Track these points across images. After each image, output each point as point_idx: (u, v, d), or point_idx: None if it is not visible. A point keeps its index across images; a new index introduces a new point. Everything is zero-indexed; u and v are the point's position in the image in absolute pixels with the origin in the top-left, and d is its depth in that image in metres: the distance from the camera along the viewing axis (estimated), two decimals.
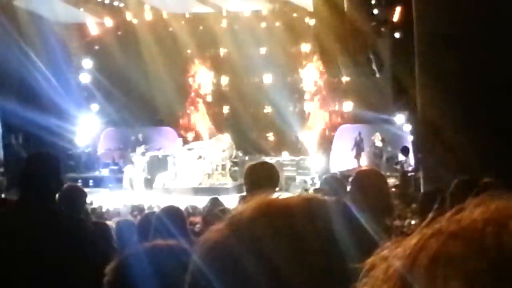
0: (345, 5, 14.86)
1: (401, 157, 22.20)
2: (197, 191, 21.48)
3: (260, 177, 4.70)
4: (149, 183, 23.64)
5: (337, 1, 14.89)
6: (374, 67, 16.76)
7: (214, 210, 8.16)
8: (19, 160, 20.67)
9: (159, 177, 23.61)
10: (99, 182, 24.01)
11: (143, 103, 26.52)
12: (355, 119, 25.72)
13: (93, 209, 15.10)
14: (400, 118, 22.88)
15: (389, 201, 4.70)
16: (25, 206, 3.96)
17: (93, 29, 27.07)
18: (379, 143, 23.96)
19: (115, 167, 25.61)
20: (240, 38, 26.07)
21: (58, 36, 24.76)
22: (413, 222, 9.39)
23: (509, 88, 9.57)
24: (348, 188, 5.09)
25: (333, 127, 26.49)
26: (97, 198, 18.79)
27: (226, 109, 27.98)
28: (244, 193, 4.98)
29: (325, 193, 5.79)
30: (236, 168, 23.49)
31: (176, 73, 27.80)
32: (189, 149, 24.44)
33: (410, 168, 20.56)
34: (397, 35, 19.86)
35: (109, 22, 26.72)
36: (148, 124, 27.05)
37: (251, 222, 1.03)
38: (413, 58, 12.02)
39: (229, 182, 22.94)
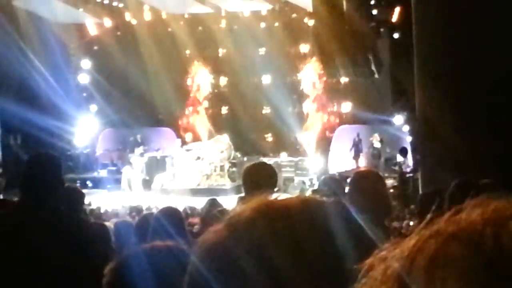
0: (344, 6, 14.89)
1: (399, 158, 22.22)
2: (196, 192, 21.47)
3: (259, 178, 4.70)
4: (147, 184, 23.63)
5: (337, 2, 14.91)
6: (373, 67, 16.79)
7: (212, 211, 8.16)
8: (18, 161, 20.69)
9: (157, 178, 23.61)
10: (97, 183, 24.01)
11: (142, 104, 26.54)
12: (353, 120, 25.73)
13: (92, 210, 15.09)
14: (398, 119, 22.90)
15: (388, 202, 4.70)
16: (27, 206, 3.96)
17: (92, 30, 27.08)
18: (377, 144, 23.96)
19: (114, 168, 25.60)
20: (239, 38, 26.08)
21: (57, 36, 24.77)
22: (411, 223, 9.41)
23: (508, 89, 9.57)
24: (347, 189, 5.09)
25: (332, 128, 26.49)
26: (96, 199, 18.79)
27: (224, 110, 27.98)
28: (243, 194, 4.98)
29: (324, 194, 5.79)
30: (234, 169, 23.49)
31: (175, 74, 27.80)
32: (188, 150, 24.44)
33: (408, 169, 20.59)
34: (396, 35, 19.88)
35: (108, 22, 26.74)
36: (147, 124, 27.05)
37: (249, 223, 1.03)
38: (412, 59, 12.02)
39: (227, 183, 22.94)
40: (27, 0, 23.04)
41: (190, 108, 27.89)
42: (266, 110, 26.90)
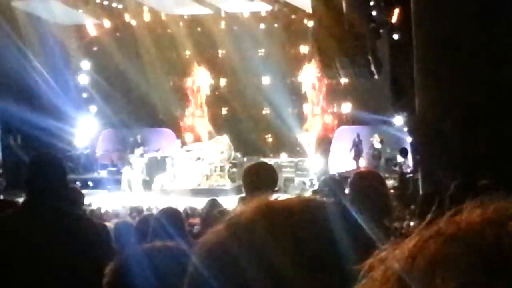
0: (344, 7, 14.87)
1: (399, 159, 22.21)
2: (196, 192, 21.46)
3: (259, 178, 4.69)
4: (147, 184, 23.62)
5: (336, 3, 14.89)
6: (372, 68, 16.75)
7: (213, 212, 8.15)
8: (18, 162, 20.68)
9: (157, 178, 23.60)
10: (97, 184, 24.00)
11: (142, 105, 26.54)
12: (353, 121, 25.73)
13: (92, 211, 15.09)
14: (398, 120, 22.89)
15: (388, 203, 4.70)
16: (32, 207, 3.96)
17: (92, 31, 27.08)
18: (378, 145, 23.96)
19: (114, 169, 25.60)
20: (238, 39, 26.06)
21: (57, 37, 24.78)
22: (411, 223, 9.39)
23: (508, 89, 9.58)
24: (347, 189, 5.08)
25: (332, 129, 26.49)
26: (96, 200, 18.78)
27: (224, 111, 27.98)
28: (243, 195, 4.98)
29: (324, 194, 5.79)
30: (234, 169, 23.49)
31: (174, 75, 27.83)
32: (188, 151, 24.44)
33: (408, 170, 20.58)
34: (395, 36, 19.89)
35: (107, 23, 26.73)
36: (147, 125, 27.03)
37: (250, 224, 1.03)
38: (411, 60, 12.03)
39: (227, 184, 22.94)
40: (27, 2, 23.04)
41: (190, 109, 27.88)
42: (266, 110, 26.88)
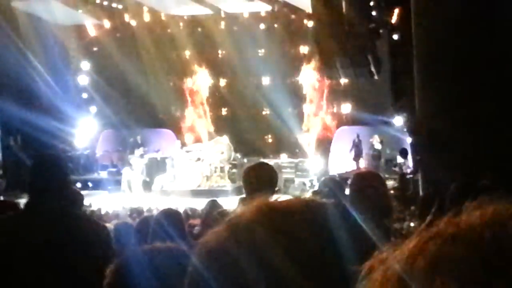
0: (344, 7, 14.87)
1: (399, 159, 22.21)
2: (196, 193, 21.45)
3: (259, 179, 4.69)
4: (147, 185, 23.61)
5: (336, 3, 14.88)
6: (372, 68, 16.76)
7: (213, 213, 8.16)
8: (18, 162, 20.71)
9: (157, 179, 23.59)
10: (97, 184, 23.97)
11: (142, 105, 26.53)
12: (353, 121, 25.71)
13: (92, 212, 15.09)
14: (398, 120, 22.89)
15: (388, 203, 4.70)
16: (36, 207, 3.97)
17: (92, 31, 27.07)
18: (378, 145, 23.95)
19: (114, 169, 25.59)
20: (238, 39, 26.04)
21: (57, 37, 24.79)
22: (412, 224, 9.39)
23: (508, 89, 9.58)
24: (347, 190, 5.09)
25: (332, 129, 26.48)
26: (96, 200, 18.78)
27: (224, 111, 27.97)
28: (244, 195, 4.98)
29: (324, 195, 5.79)
30: (234, 170, 23.48)
31: (174, 75, 27.82)
32: (188, 151, 24.44)
33: (409, 170, 20.58)
34: (395, 36, 19.89)
35: (107, 24, 26.73)
36: (147, 126, 27.02)
37: (250, 225, 1.03)
38: (411, 60, 12.03)
39: (228, 184, 22.93)
40: (27, 2, 23.04)
41: (190, 109, 27.88)
42: (266, 111, 26.87)
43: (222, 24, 26.76)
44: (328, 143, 25.91)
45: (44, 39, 23.61)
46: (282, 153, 25.54)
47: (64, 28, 25.63)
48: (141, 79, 26.15)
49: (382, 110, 23.49)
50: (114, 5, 25.77)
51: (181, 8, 25.49)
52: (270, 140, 26.98)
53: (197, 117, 27.74)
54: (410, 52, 12.25)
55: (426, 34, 11.00)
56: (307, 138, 26.16)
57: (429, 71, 10.96)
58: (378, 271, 0.73)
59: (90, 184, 23.53)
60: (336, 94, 26.40)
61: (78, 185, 18.78)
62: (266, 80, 26.89)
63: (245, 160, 22.83)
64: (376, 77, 18.25)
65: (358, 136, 24.56)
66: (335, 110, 26.75)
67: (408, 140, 21.54)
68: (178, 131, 27.50)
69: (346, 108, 26.33)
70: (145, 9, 26.22)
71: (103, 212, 16.06)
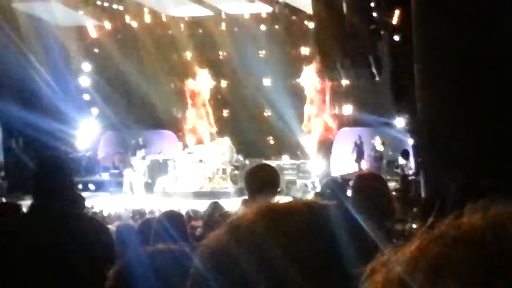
0: (344, 8, 14.86)
1: (401, 161, 22.20)
2: (198, 195, 21.45)
3: (261, 181, 4.69)
4: (149, 187, 23.61)
5: (337, 4, 14.89)
6: (373, 70, 16.75)
7: (215, 214, 8.16)
8: (20, 164, 20.72)
9: (159, 181, 23.59)
10: (99, 186, 23.98)
11: (143, 106, 26.52)
12: (355, 122, 25.70)
13: (94, 213, 15.09)
14: (400, 121, 22.87)
15: (390, 205, 4.69)
16: (41, 208, 3.97)
17: (93, 32, 27.07)
18: (379, 147, 23.94)
19: (116, 171, 25.59)
20: (239, 41, 26.04)
21: (58, 39, 24.77)
22: (414, 225, 9.38)
23: (508, 89, 9.57)
24: (349, 191, 5.08)
25: (333, 130, 26.47)
26: (98, 202, 18.78)
27: (226, 113, 27.97)
28: (246, 197, 4.98)
29: (326, 196, 5.79)
30: (236, 171, 23.45)
31: (175, 76, 27.82)
32: (189, 153, 24.44)
33: (410, 172, 20.56)
34: (396, 38, 19.86)
35: (108, 25, 26.74)
36: (148, 127, 27.02)
37: (251, 227, 1.04)
38: (412, 61, 12.01)
39: (229, 186, 22.90)
40: (27, 3, 23.04)
41: (192, 111, 27.87)
42: (268, 112, 26.86)
43: (223, 26, 26.75)
44: (329, 145, 25.90)
45: (45, 40, 23.61)
46: (284, 154, 25.54)
47: (65, 29, 25.62)
48: (142, 81, 26.14)
49: (384, 111, 23.45)
50: (115, 6, 25.77)
51: (182, 9, 25.48)
52: (271, 142, 26.96)
53: (198, 119, 27.73)
54: (411, 53, 12.23)
55: (426, 35, 10.99)
56: (308, 139, 26.14)
57: (429, 72, 10.95)
58: (380, 273, 0.73)
59: (91, 186, 23.53)
60: (337, 96, 26.39)
61: (80, 186, 18.77)
62: (267, 82, 26.88)
63: (247, 162, 22.83)
64: (377, 78, 18.24)
65: (359, 137, 24.55)
66: (336, 111, 26.74)
67: (410, 141, 21.52)
68: (179, 133, 27.50)
69: (348, 109, 26.31)
70: (146, 10, 26.21)
71: (105, 214, 16.06)
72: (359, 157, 24.23)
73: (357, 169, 22.51)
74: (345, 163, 24.14)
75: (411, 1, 11.86)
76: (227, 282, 1.01)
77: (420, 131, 12.33)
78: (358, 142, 24.49)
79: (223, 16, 26.54)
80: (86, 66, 27.55)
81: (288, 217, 1.06)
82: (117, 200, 21.27)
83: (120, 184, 23.75)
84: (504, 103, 9.60)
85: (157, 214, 10.93)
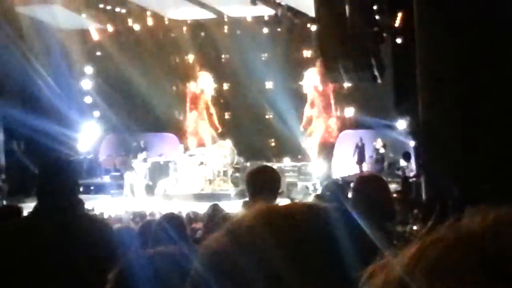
0: (347, 11, 14.87)
1: (402, 163, 22.20)
2: (199, 197, 21.45)
3: (262, 183, 4.68)
4: (150, 189, 23.62)
5: (339, 7, 14.89)
6: (375, 72, 16.74)
7: (215, 217, 8.16)
8: (21, 167, 20.74)
9: (160, 183, 23.60)
10: (100, 189, 24.01)
11: (145, 109, 26.55)
12: (356, 125, 25.72)
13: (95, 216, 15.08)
14: (401, 124, 22.89)
15: (391, 207, 4.69)
16: (44, 211, 3.97)
17: (95, 35, 27.11)
18: (381, 149, 23.96)
19: (117, 174, 25.60)
20: (241, 44, 26.06)
21: (60, 42, 24.80)
22: (415, 227, 9.38)
23: (508, 90, 9.57)
24: (350, 193, 5.08)
25: (335, 133, 26.47)
26: (99, 205, 18.78)
27: (227, 115, 27.99)
28: (247, 199, 4.97)
29: (327, 199, 5.79)
30: (237, 174, 23.47)
31: (177, 79, 27.86)
32: (191, 155, 24.45)
33: (411, 174, 20.55)
34: (398, 40, 19.89)
35: (110, 28, 26.77)
36: (150, 130, 27.05)
37: (251, 229, 1.03)
38: (414, 63, 12.02)
39: (230, 188, 22.92)
40: (30, 6, 23.07)
41: (193, 114, 27.88)
42: (269, 115, 26.88)
43: (225, 28, 26.80)
44: (331, 147, 25.92)
45: (47, 43, 23.64)
46: (285, 157, 25.56)
47: (67, 33, 25.64)
48: (144, 83, 26.15)
49: (385, 113, 23.49)
50: (117, 9, 25.81)
51: (184, 12, 25.51)
52: (273, 144, 27.00)
53: (200, 121, 27.75)
54: (413, 56, 12.25)
55: (429, 38, 11.00)
56: (310, 141, 26.15)
57: (431, 74, 10.96)
58: (380, 276, 0.73)
59: (92, 188, 23.54)
60: (339, 98, 26.41)
61: (81, 189, 18.78)
62: (269, 84, 26.91)
63: (248, 164, 22.84)
64: (379, 80, 18.24)
65: (361, 139, 24.57)
66: (338, 113, 26.76)
67: (411, 143, 21.52)
68: (181, 135, 27.52)
69: (349, 111, 26.34)
70: (148, 13, 26.25)
71: (105, 216, 16.05)
72: (361, 159, 24.24)
73: (358, 171, 22.50)
74: (346, 165, 24.15)
75: (413, 3, 11.88)
76: (227, 283, 1.01)
77: (422, 133, 12.34)
78: (360, 144, 24.50)
79: (226, 19, 26.58)
80: (89, 69, 27.59)
81: (288, 219, 1.05)
82: (117, 202, 21.28)
83: (121, 187, 23.76)
84: (504, 104, 9.60)
85: (157, 216, 10.93)
